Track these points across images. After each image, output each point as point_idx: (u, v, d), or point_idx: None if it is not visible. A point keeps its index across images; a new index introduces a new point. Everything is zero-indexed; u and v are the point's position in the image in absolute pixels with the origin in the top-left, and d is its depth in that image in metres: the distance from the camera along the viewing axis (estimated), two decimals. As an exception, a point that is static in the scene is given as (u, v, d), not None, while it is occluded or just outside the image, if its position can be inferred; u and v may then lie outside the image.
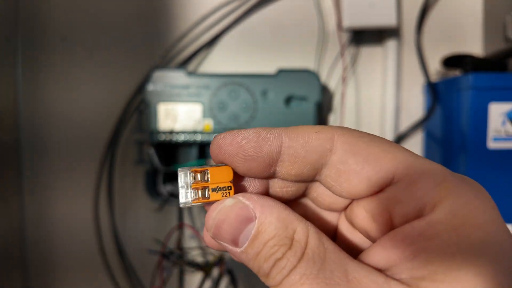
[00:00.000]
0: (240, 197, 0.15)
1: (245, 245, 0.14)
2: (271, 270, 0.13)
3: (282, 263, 0.13)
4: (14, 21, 0.54)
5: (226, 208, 0.15)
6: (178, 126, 0.51)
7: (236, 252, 0.14)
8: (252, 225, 0.14)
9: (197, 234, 0.48)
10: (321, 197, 0.18)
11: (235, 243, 0.14)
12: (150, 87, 0.51)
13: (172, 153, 0.56)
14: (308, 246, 0.13)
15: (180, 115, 0.51)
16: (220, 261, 0.48)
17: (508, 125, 0.46)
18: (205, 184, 0.16)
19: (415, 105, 0.57)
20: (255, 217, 0.14)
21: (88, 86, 0.55)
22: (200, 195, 0.16)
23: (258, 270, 0.14)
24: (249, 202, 0.14)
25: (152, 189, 0.52)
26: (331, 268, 0.13)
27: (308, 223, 0.14)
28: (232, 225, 0.14)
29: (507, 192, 0.47)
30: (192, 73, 0.51)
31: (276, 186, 0.17)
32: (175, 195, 0.52)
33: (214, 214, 0.15)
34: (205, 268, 0.47)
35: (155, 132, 0.51)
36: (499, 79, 0.46)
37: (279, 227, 0.14)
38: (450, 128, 0.50)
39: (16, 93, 0.54)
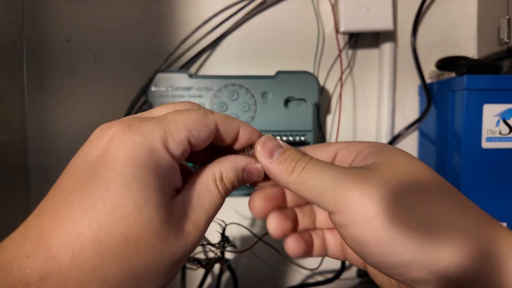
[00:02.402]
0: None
1: (277, 156, 0.24)
2: (295, 166, 0.23)
3: (301, 161, 0.23)
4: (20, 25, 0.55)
5: (269, 138, 0.25)
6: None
7: (269, 161, 0.24)
8: (281, 149, 0.24)
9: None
10: None
11: (271, 154, 0.24)
12: (153, 88, 0.52)
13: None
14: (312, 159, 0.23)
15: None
16: (221, 258, 0.49)
17: (502, 125, 0.47)
18: None
19: (410, 106, 0.58)
20: (283, 146, 0.25)
21: (93, 89, 0.56)
22: None
23: (285, 170, 0.23)
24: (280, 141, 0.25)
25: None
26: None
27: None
28: (272, 144, 0.24)
29: (501, 190, 0.48)
30: (194, 75, 0.52)
31: None
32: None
33: (264, 139, 0.25)
34: (207, 265, 0.48)
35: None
36: (493, 81, 0.47)
37: (295, 150, 0.25)
38: (444, 129, 0.51)
39: (23, 102, 0.55)
